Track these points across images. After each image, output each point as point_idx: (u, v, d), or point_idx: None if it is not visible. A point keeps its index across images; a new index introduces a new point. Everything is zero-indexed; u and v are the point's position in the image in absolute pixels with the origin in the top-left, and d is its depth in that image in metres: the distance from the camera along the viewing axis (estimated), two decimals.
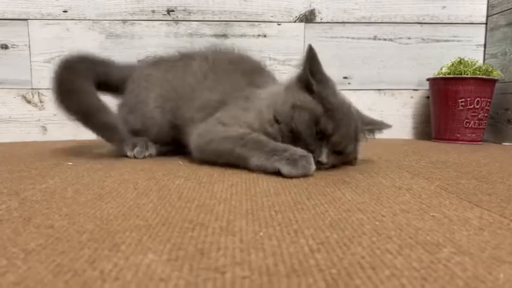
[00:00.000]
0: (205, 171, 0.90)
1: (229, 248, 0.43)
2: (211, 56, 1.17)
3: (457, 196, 0.68)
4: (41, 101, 1.85)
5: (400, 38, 1.90)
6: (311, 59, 0.90)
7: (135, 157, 1.09)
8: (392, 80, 1.92)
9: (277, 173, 0.83)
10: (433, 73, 1.81)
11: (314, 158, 0.85)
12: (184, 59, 1.20)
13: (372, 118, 1.01)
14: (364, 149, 1.01)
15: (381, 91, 1.92)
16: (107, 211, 0.58)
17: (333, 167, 0.92)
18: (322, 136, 0.87)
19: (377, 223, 0.53)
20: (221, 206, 0.60)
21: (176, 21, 1.85)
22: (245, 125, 0.93)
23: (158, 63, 1.23)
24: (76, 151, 1.30)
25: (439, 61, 1.84)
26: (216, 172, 0.88)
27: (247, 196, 0.67)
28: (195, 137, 0.98)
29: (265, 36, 1.87)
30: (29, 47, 1.82)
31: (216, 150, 0.93)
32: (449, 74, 1.69)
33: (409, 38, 1.90)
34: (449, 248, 0.43)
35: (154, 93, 1.14)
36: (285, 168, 0.81)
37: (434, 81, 1.76)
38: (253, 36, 1.87)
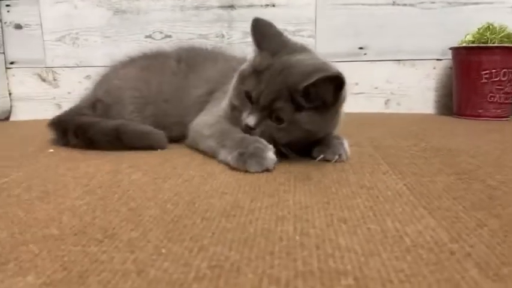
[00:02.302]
0: (173, 162, 0.87)
1: (112, 271, 0.41)
2: (185, 55, 1.15)
3: (416, 200, 0.61)
4: (54, 79, 1.89)
5: (422, 2, 1.73)
6: (253, 33, 0.88)
7: None
8: (413, 50, 1.77)
9: None
10: (459, 41, 1.64)
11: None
12: (160, 58, 1.16)
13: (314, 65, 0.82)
14: (363, 131, 0.94)
15: (400, 62, 1.78)
16: (35, 215, 0.57)
17: (288, 143, 0.84)
18: (249, 97, 0.84)
19: (297, 238, 0.48)
20: (151, 211, 0.58)
21: None
22: (220, 112, 0.94)
23: (133, 61, 1.18)
24: None
25: (466, 27, 1.66)
26: (181, 164, 0.86)
27: (190, 197, 0.64)
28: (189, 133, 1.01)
29: (273, 5, 1.77)
30: (41, 26, 1.85)
31: (198, 147, 0.97)
32: (473, 42, 1.53)
33: (432, 2, 1.73)
34: (349, 280, 0.39)
35: (129, 93, 1.10)
36: (236, 164, 0.79)
37: (456, 51, 1.60)
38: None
